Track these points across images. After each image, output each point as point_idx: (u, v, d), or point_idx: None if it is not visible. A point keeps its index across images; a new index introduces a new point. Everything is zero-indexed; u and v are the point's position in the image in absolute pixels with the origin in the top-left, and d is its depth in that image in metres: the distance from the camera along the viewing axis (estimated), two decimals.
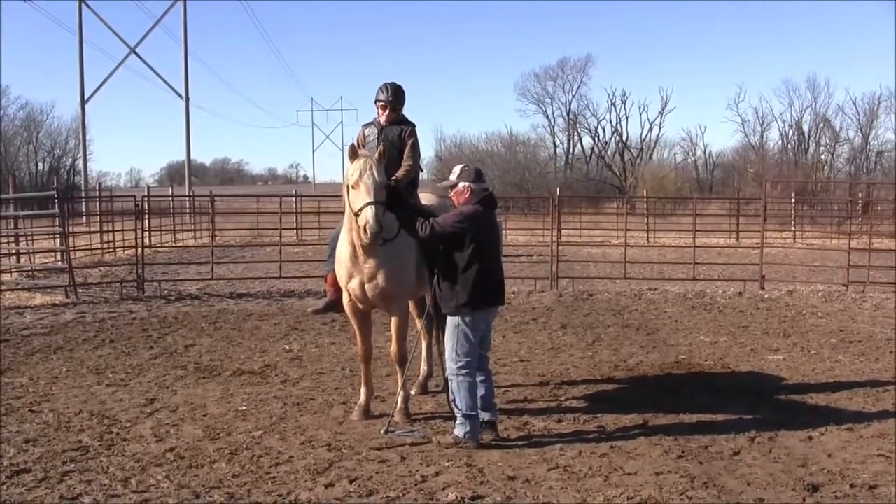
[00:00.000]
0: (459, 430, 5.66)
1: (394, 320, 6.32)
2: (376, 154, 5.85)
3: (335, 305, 6.73)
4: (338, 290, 6.50)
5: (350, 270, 6.14)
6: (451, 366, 5.70)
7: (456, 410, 5.71)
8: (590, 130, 59.12)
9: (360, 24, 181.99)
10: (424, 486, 4.93)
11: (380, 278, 6.05)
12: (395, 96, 6.57)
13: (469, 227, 5.62)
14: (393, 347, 6.37)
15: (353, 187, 5.71)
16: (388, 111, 6.57)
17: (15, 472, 5.16)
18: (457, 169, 5.95)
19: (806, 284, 15.06)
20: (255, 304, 12.78)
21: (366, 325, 6.51)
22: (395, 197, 5.84)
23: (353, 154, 5.86)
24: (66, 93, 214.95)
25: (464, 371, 5.65)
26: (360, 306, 6.35)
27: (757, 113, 57.23)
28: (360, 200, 5.63)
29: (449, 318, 5.75)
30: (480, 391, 5.75)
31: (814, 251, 19.57)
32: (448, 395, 5.96)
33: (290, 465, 5.32)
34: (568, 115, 58.76)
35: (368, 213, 5.54)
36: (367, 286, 6.11)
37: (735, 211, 26.52)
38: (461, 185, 5.82)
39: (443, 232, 5.62)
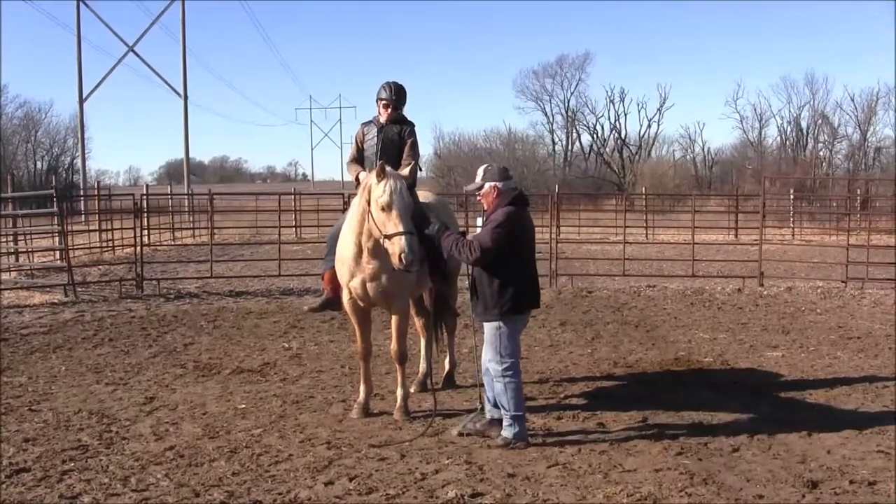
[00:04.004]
0: (508, 432, 5.62)
1: (394, 318, 6.32)
2: (406, 171, 5.96)
3: (332, 303, 6.73)
4: (335, 287, 6.50)
5: (352, 269, 6.14)
6: (496, 368, 5.62)
7: (504, 412, 5.65)
8: (588, 128, 59.19)
9: (358, 21, 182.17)
10: (424, 484, 4.93)
11: (383, 277, 6.06)
12: (397, 95, 6.59)
13: (508, 233, 5.53)
14: (393, 345, 6.37)
15: (383, 209, 5.67)
16: (389, 110, 6.58)
17: (14, 471, 5.16)
18: (480, 170, 5.89)
19: (805, 281, 15.06)
20: (254, 303, 12.78)
21: (365, 323, 6.50)
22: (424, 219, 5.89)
23: (382, 172, 5.74)
24: (65, 91, 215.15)
25: (509, 372, 5.61)
26: (361, 304, 6.35)
27: (755, 110, 57.08)
28: (393, 226, 5.61)
29: (488, 323, 5.68)
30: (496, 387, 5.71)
31: (812, 248, 19.57)
32: (481, 391, 5.99)
33: (289, 464, 5.32)
34: (566, 112, 58.74)
35: (404, 243, 5.54)
36: (369, 285, 6.11)
37: (734, 208, 26.53)
38: (487, 185, 5.74)
39: (487, 249, 5.50)
